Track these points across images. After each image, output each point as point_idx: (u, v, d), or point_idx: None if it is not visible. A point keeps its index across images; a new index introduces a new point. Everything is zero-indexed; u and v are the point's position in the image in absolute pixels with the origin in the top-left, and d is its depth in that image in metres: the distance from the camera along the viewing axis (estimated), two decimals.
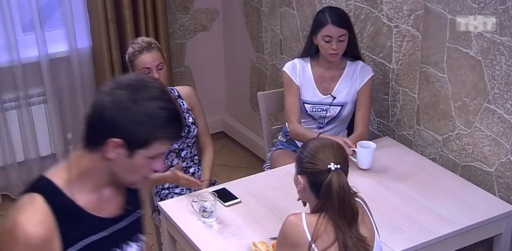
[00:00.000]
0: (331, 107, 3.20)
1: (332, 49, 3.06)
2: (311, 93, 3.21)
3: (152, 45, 2.98)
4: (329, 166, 2.07)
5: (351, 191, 2.12)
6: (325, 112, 3.21)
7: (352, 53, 3.18)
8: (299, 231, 2.07)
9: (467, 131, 2.98)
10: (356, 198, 2.20)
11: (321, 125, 3.26)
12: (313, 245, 2.04)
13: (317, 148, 2.11)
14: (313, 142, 2.16)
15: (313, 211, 2.13)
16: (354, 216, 2.10)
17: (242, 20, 4.42)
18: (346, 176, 2.12)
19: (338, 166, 2.07)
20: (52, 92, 4.01)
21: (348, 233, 2.06)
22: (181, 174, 2.79)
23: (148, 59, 2.94)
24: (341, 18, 3.07)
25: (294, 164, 2.21)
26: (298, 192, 2.21)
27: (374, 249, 2.13)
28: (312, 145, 2.14)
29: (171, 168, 3.14)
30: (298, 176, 2.16)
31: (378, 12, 3.28)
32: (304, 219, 2.08)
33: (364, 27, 3.40)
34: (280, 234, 2.17)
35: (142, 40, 3.01)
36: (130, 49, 2.99)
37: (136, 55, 2.95)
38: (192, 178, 2.79)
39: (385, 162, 3.04)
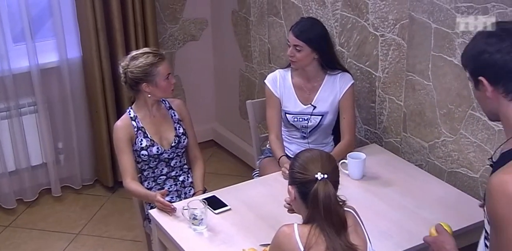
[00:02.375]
0: (312, 116, 3.21)
1: (288, 53, 3.12)
2: (293, 103, 3.23)
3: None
4: (316, 176, 2.09)
5: (339, 200, 2.13)
6: (306, 121, 3.22)
7: (327, 65, 3.19)
8: (292, 242, 2.07)
9: (452, 138, 3.00)
10: (348, 209, 2.21)
11: (305, 135, 3.28)
12: None
13: (307, 159, 2.14)
14: (304, 154, 2.19)
15: (305, 221, 2.15)
16: (342, 225, 2.10)
17: (230, 30, 4.43)
18: (336, 186, 2.13)
19: (325, 176, 2.09)
20: (43, 102, 4.00)
21: (338, 241, 2.06)
22: (161, 200, 2.79)
23: (167, 64, 3.07)
24: (303, 31, 3.09)
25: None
26: (290, 202, 2.23)
27: None
28: (303, 156, 2.17)
29: (161, 177, 3.16)
30: (289, 186, 2.18)
31: (364, 22, 3.30)
32: (297, 230, 2.09)
33: (350, 36, 3.42)
34: (272, 244, 2.18)
35: (152, 49, 3.10)
36: (145, 61, 2.98)
37: (157, 64, 3.00)
38: (167, 203, 2.79)
39: (372, 169, 3.05)
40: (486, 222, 1.88)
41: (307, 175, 2.10)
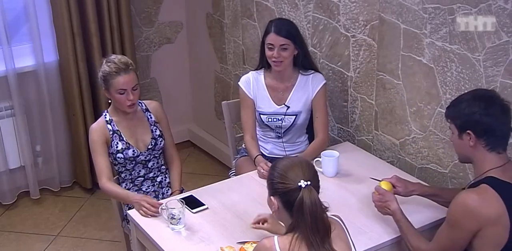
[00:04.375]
0: (286, 116, 3.22)
1: (274, 57, 3.09)
2: (266, 104, 3.24)
3: (130, 67, 2.95)
4: (299, 184, 2.04)
5: (323, 207, 2.09)
6: (280, 121, 3.23)
7: (303, 64, 3.20)
8: None
9: (422, 135, 3.03)
10: (334, 216, 2.19)
11: (279, 135, 3.29)
12: None
13: (286, 168, 2.10)
14: (281, 162, 2.14)
15: (288, 230, 2.10)
16: (327, 231, 2.07)
17: (205, 32, 4.43)
18: (318, 191, 2.09)
19: (309, 182, 2.04)
20: (20, 106, 3.97)
21: (322, 249, 2.03)
22: (151, 200, 2.77)
23: (125, 80, 2.92)
24: (285, 29, 3.09)
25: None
26: (273, 213, 2.18)
27: None
28: (280, 165, 2.12)
29: (139, 178, 3.15)
30: (271, 197, 2.13)
31: (336, 23, 3.33)
32: (277, 243, 2.05)
33: (322, 37, 3.44)
34: None
35: (119, 60, 2.96)
36: (106, 68, 2.95)
37: (113, 76, 2.92)
38: (155, 202, 2.77)
39: (346, 167, 3.07)
40: None
41: (290, 184, 2.06)
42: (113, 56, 3.02)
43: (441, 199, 2.64)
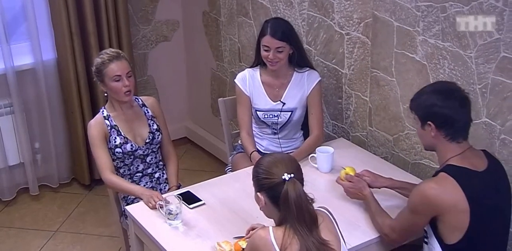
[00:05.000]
0: (282, 113, 3.23)
1: (269, 58, 3.10)
2: (263, 101, 3.25)
3: (121, 55, 3.02)
4: (283, 177, 2.10)
5: (308, 198, 2.14)
6: (276, 118, 3.24)
7: (298, 62, 3.21)
8: (268, 245, 2.08)
9: (415, 131, 3.04)
10: (321, 209, 2.23)
11: (275, 131, 3.30)
12: None
13: (269, 164, 2.15)
14: (265, 159, 2.20)
15: (278, 224, 2.15)
16: (313, 222, 2.12)
17: (201, 30, 4.44)
18: (302, 184, 2.14)
19: (292, 175, 2.10)
20: (19, 103, 3.97)
21: (310, 238, 2.07)
22: (157, 198, 2.78)
23: (119, 67, 2.97)
24: (280, 31, 3.09)
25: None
26: (260, 209, 2.23)
27: None
28: (264, 162, 2.18)
29: (137, 174, 3.16)
30: (258, 194, 2.18)
31: (330, 21, 3.34)
32: (272, 233, 2.10)
33: (317, 35, 3.45)
34: (248, 246, 2.19)
35: (110, 50, 3.04)
36: (98, 60, 3.00)
37: (106, 64, 2.96)
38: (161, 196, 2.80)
39: (340, 162, 3.07)
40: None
41: (274, 178, 2.11)
42: (104, 50, 3.06)
43: (409, 192, 2.69)
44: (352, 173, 2.77)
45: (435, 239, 2.38)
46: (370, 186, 2.74)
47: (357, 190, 2.71)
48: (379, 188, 2.77)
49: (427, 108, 2.37)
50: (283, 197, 2.09)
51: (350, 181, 2.74)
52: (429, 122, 2.37)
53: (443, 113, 2.33)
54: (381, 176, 2.80)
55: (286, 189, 2.08)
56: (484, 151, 2.49)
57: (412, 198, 2.38)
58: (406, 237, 2.52)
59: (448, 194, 2.29)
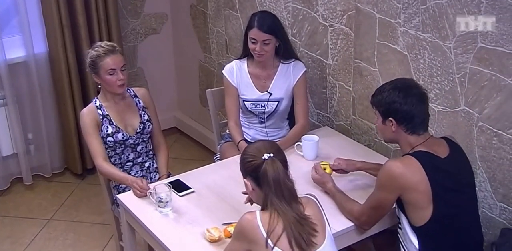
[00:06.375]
0: (269, 103, 3.24)
1: (256, 50, 3.11)
2: (250, 91, 3.25)
3: (116, 48, 3.01)
4: (263, 157, 2.14)
5: (287, 174, 2.18)
6: (263, 108, 3.25)
7: (284, 54, 3.22)
8: (254, 228, 2.11)
9: None
10: (309, 196, 2.25)
11: (262, 120, 3.31)
12: (269, 241, 2.08)
13: (251, 149, 2.21)
14: (250, 146, 2.26)
15: (263, 206, 2.18)
16: (293, 198, 2.15)
17: (189, 23, 4.43)
18: (286, 166, 2.18)
19: (271, 154, 2.15)
20: (11, 95, 3.96)
21: (290, 213, 2.11)
22: (144, 186, 2.79)
23: (114, 60, 2.96)
24: (267, 24, 3.09)
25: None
26: (249, 195, 2.26)
27: (325, 240, 2.17)
28: (248, 149, 2.24)
29: (128, 163, 3.16)
30: (245, 180, 2.22)
31: (314, 13, 3.34)
32: (259, 216, 2.12)
33: (302, 27, 3.45)
34: (236, 230, 2.21)
35: (105, 43, 3.02)
36: (93, 52, 2.98)
37: (101, 57, 2.95)
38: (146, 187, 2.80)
39: (325, 150, 3.10)
40: (397, 210, 2.51)
41: (255, 160, 2.15)
42: (98, 43, 3.05)
43: None
44: (328, 171, 2.81)
45: (407, 224, 2.44)
46: (346, 171, 2.82)
47: (320, 184, 2.78)
48: (354, 171, 2.84)
49: (388, 105, 2.42)
50: (262, 175, 2.13)
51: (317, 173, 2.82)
52: (390, 118, 2.43)
53: (403, 109, 2.40)
54: (354, 160, 2.86)
55: (265, 167, 2.13)
56: (445, 138, 2.54)
57: (379, 175, 2.46)
58: (375, 218, 2.54)
59: (411, 173, 2.35)
